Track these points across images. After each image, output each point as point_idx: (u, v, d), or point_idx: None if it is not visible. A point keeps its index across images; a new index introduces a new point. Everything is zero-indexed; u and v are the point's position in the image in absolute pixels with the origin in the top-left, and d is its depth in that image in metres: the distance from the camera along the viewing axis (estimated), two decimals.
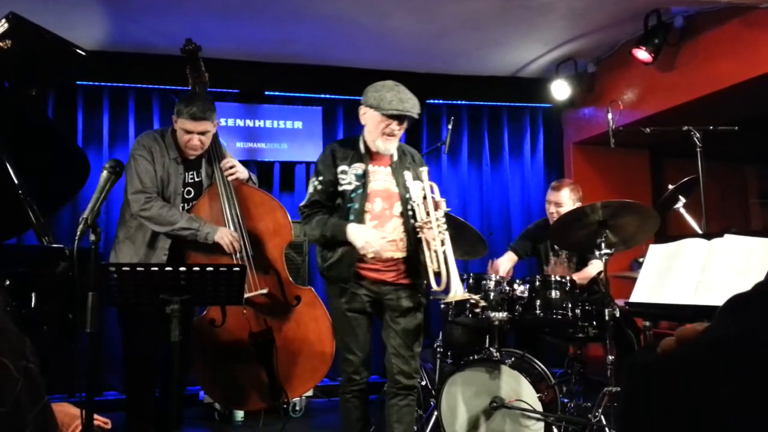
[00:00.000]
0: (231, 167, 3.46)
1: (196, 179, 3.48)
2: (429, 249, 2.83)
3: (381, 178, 2.91)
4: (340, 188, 2.87)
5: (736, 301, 0.62)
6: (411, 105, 2.80)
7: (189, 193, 3.46)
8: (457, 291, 2.77)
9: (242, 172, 3.53)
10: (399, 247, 2.87)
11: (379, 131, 2.83)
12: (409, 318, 2.91)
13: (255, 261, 3.39)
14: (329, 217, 2.86)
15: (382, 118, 2.80)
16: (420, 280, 2.93)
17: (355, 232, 2.77)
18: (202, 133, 3.33)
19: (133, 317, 3.31)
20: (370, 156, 2.92)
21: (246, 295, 3.18)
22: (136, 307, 3.17)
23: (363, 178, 2.86)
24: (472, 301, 3.21)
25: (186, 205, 3.44)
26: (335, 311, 2.94)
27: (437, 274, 2.84)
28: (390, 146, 2.88)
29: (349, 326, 2.87)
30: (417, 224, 2.86)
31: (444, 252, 2.78)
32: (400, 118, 2.81)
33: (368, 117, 2.87)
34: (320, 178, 2.90)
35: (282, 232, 3.51)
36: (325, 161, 2.91)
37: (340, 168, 2.88)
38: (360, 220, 2.82)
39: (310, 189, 2.93)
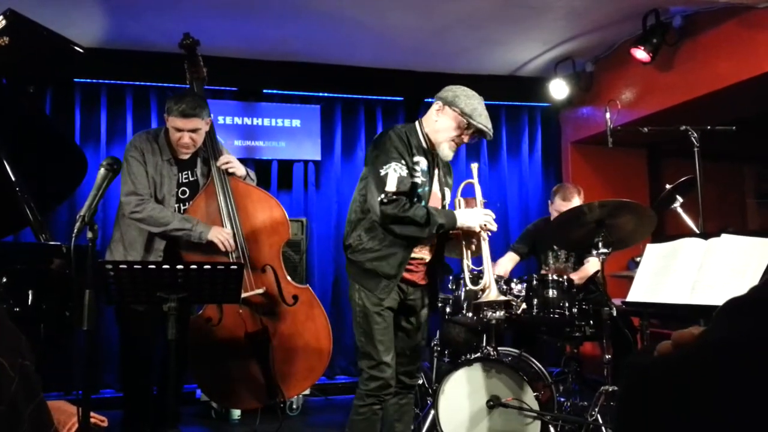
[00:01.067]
0: (227, 162, 3.46)
1: (191, 179, 3.46)
2: (467, 248, 2.80)
3: (436, 180, 2.87)
4: (413, 180, 2.70)
5: (732, 304, 0.62)
6: (490, 126, 2.75)
7: (184, 193, 3.44)
8: (492, 291, 2.78)
9: (239, 168, 3.53)
10: (429, 248, 2.84)
11: (451, 136, 2.74)
12: (422, 319, 2.92)
13: (252, 260, 3.39)
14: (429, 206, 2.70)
15: (465, 126, 2.71)
16: (435, 280, 2.91)
17: (466, 217, 2.71)
18: (193, 131, 3.30)
19: (130, 315, 3.31)
20: (433, 153, 2.82)
21: (243, 295, 3.17)
22: (133, 305, 3.18)
23: (428, 174, 2.77)
24: (513, 303, 3.13)
25: (181, 204, 3.43)
26: (369, 310, 2.70)
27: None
28: (451, 153, 2.81)
29: (384, 323, 2.71)
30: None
31: (485, 251, 2.79)
32: (480, 134, 2.76)
33: (447, 117, 2.73)
34: (403, 163, 2.66)
35: (280, 230, 3.50)
36: (402, 147, 2.69)
37: (415, 158, 2.73)
38: None
39: (401, 173, 2.63)
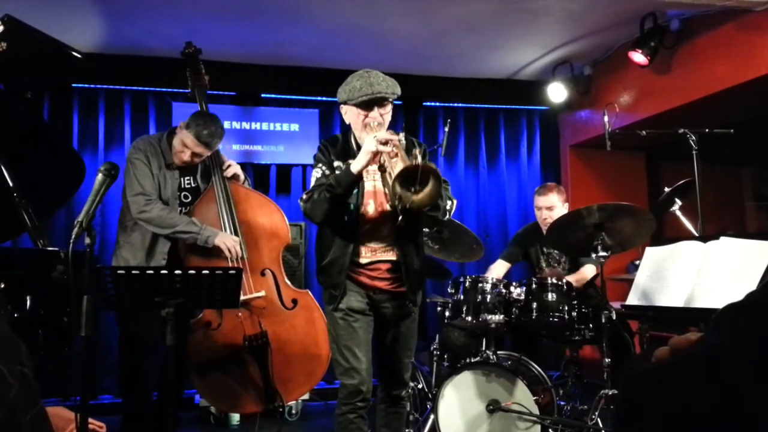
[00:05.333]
0: (229, 166, 3.50)
1: (193, 184, 3.49)
2: (390, 171, 2.45)
3: (371, 177, 2.72)
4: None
5: (729, 311, 0.63)
6: (383, 87, 2.56)
7: (186, 197, 3.46)
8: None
9: (240, 171, 3.56)
10: (392, 249, 2.70)
11: (360, 124, 2.63)
12: (401, 328, 2.79)
13: (251, 264, 3.39)
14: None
15: (358, 110, 2.60)
16: (414, 287, 2.75)
17: (360, 156, 2.49)
18: (197, 155, 3.34)
19: (130, 320, 3.30)
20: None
21: (242, 298, 3.17)
22: (132, 311, 3.17)
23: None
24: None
25: (184, 209, 3.45)
26: (332, 315, 2.69)
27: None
28: (376, 136, 2.50)
29: (350, 327, 2.64)
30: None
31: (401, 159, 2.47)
32: (371, 104, 2.58)
33: (348, 114, 2.68)
34: (324, 167, 2.67)
35: (279, 234, 3.50)
36: (323, 155, 2.72)
37: (336, 164, 2.69)
38: (355, 218, 2.64)
39: (317, 175, 2.67)
